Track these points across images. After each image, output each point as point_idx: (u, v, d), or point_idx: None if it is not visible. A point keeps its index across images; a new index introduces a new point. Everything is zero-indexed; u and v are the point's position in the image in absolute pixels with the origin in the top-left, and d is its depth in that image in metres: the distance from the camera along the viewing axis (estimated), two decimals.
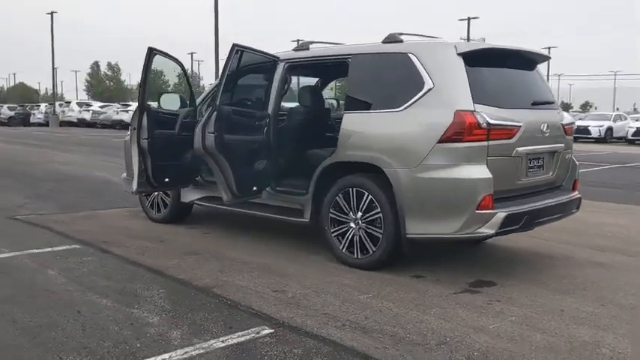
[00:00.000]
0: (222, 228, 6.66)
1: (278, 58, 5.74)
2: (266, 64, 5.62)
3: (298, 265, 5.16)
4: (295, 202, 5.62)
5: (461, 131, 4.47)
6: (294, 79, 7.40)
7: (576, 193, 5.53)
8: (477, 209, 4.45)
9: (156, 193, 6.92)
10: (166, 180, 6.02)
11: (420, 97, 4.73)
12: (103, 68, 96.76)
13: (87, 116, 40.59)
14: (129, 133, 7.11)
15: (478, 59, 4.74)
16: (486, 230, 4.50)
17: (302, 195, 5.55)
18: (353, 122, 5.10)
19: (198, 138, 5.10)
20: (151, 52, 5.57)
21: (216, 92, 5.20)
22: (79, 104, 45.23)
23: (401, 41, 5.12)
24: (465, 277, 4.86)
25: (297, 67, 5.97)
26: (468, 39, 46.37)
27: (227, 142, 5.15)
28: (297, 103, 6.97)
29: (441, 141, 4.53)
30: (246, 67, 5.44)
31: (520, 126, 4.74)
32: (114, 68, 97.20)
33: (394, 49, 5.07)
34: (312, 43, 5.91)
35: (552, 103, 5.52)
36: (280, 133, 5.84)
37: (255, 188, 5.59)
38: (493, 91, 4.77)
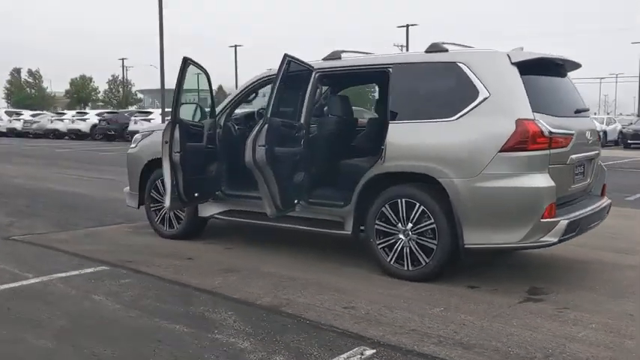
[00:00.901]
0: (241, 242, 6.45)
1: (312, 67, 5.62)
2: (302, 73, 5.49)
3: (345, 279, 5.06)
4: (333, 214, 5.51)
5: (524, 140, 4.51)
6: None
7: (606, 198, 5.69)
8: (542, 218, 4.49)
9: (167, 209, 6.62)
10: (196, 195, 5.81)
11: (476, 107, 4.74)
12: (24, 75, 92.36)
13: (18, 125, 38.58)
14: (133, 145, 6.83)
15: (529, 68, 4.81)
16: (550, 238, 4.55)
17: (339, 206, 5.45)
18: (401, 132, 5.05)
19: (249, 151, 4.92)
20: (186, 62, 5.34)
21: (267, 104, 5.02)
22: (9, 113, 42.95)
23: (446, 50, 5.12)
24: (518, 286, 4.89)
25: (330, 76, 5.87)
26: (407, 46, 47.33)
27: (276, 154, 5.00)
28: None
29: (502, 150, 4.55)
30: (288, 78, 5.30)
31: (573, 134, 4.84)
32: (35, 75, 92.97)
33: (442, 58, 5.06)
34: (343, 52, 5.82)
35: (588, 110, 5.67)
36: (312, 143, 5.72)
37: (295, 201, 5.44)
38: (545, 100, 4.84)
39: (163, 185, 6.43)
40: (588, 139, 5.18)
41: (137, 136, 7.19)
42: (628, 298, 4.63)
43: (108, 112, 38.18)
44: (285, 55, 5.01)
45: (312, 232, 5.78)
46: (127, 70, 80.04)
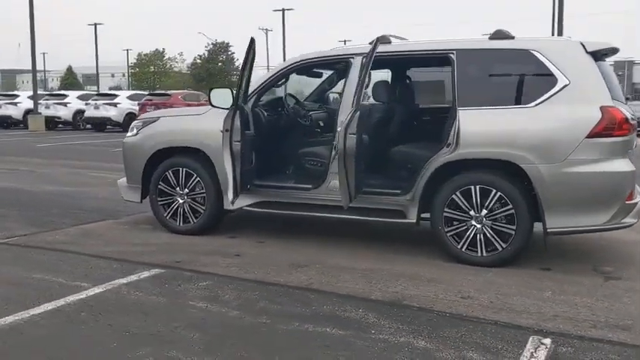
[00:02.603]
0: (267, 235, 6.08)
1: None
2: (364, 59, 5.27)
3: (424, 268, 4.98)
4: (392, 202, 5.40)
5: (612, 126, 4.71)
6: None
7: None
8: (627, 200, 4.75)
9: (181, 202, 6.09)
10: (248, 187, 5.39)
11: (555, 94, 4.86)
12: None
13: None
14: (132, 133, 6.22)
15: (598, 57, 5.02)
16: (630, 220, 4.83)
17: (398, 195, 5.35)
18: (475, 119, 5.04)
19: (341, 140, 4.64)
20: (254, 42, 4.90)
21: (357, 91, 4.76)
22: None
23: (513, 37, 5.19)
24: (586, 266, 5.11)
25: (386, 61, 5.71)
26: (284, 30, 47.27)
27: (363, 143, 4.78)
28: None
29: (589, 136, 4.72)
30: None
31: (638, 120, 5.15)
32: None
33: (512, 45, 5.12)
34: (391, 36, 5.68)
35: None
36: (373, 130, 5.55)
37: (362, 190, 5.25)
38: (612, 88, 5.07)
39: (174, 177, 5.95)
40: (636, 125, 5.53)
41: (136, 123, 6.49)
42: None
43: None
44: (378, 38, 4.76)
45: (337, 221, 5.66)
46: None
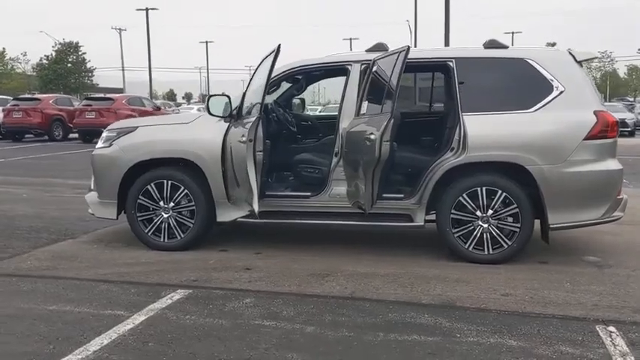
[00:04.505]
0: (259, 246, 5.90)
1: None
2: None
3: (440, 269, 5.14)
4: (399, 207, 5.51)
5: (606, 129, 5.18)
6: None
7: None
8: (617, 195, 5.26)
9: (165, 216, 5.75)
10: (264, 199, 5.21)
11: (552, 100, 5.25)
12: None
13: None
14: (104, 144, 5.83)
15: (582, 65, 5.49)
16: (619, 213, 5.34)
17: (402, 199, 5.49)
18: (481, 123, 5.29)
19: (376, 148, 4.64)
20: (279, 49, 4.75)
21: (392, 97, 4.78)
22: None
23: (506, 47, 5.52)
24: (574, 257, 5.56)
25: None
26: (148, 30, 45.40)
27: (394, 150, 4.82)
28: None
29: (587, 138, 5.16)
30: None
31: None
32: None
33: (508, 54, 5.45)
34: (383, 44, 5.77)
35: None
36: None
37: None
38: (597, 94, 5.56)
39: (157, 190, 5.63)
40: None
41: (108, 134, 5.98)
42: None
43: None
44: (408, 47, 4.82)
45: (323, 227, 5.77)
46: None
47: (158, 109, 23.91)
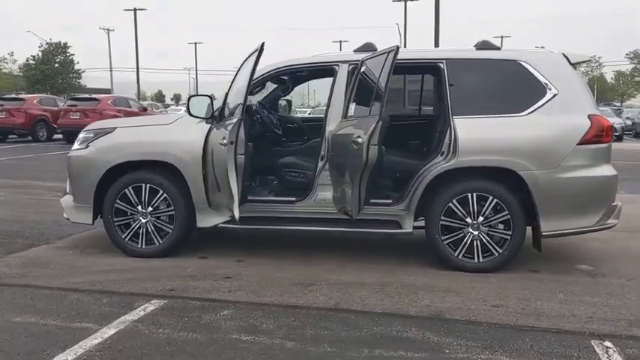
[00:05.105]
0: (240, 253, 5.66)
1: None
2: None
3: (428, 278, 4.94)
4: (387, 213, 5.30)
5: (601, 134, 5.00)
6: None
7: None
8: (612, 202, 5.08)
9: (143, 221, 5.51)
10: (246, 204, 4.99)
11: (546, 103, 5.06)
12: None
13: None
14: (80, 146, 5.59)
15: (576, 68, 5.32)
16: (613, 220, 5.16)
17: (390, 205, 5.29)
18: (472, 127, 5.10)
19: (364, 152, 4.43)
20: (263, 48, 4.53)
21: (381, 99, 4.57)
22: None
23: (498, 48, 5.34)
24: (567, 266, 5.38)
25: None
26: (136, 31, 45.04)
27: (382, 154, 4.62)
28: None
29: (581, 143, 4.98)
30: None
31: None
32: None
33: (500, 55, 5.26)
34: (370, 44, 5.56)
35: None
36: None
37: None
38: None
39: (135, 194, 5.40)
40: None
41: (85, 135, 5.73)
42: None
43: None
44: (397, 47, 4.62)
45: (303, 234, 5.58)
46: None
47: (145, 110, 23.59)
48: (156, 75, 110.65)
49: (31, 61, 66.04)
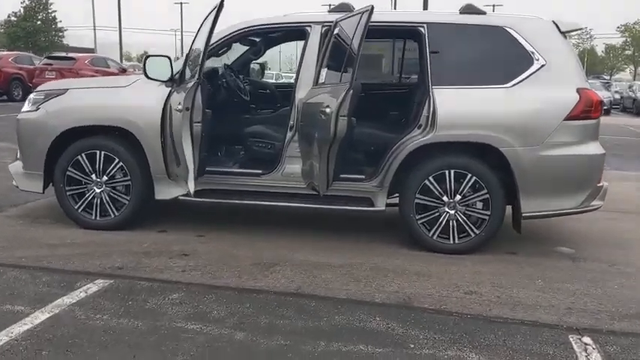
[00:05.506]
0: (202, 227, 5.31)
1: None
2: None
3: (400, 259, 4.63)
4: (358, 189, 4.95)
5: (589, 109, 4.65)
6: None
7: None
8: (598, 183, 4.77)
9: (98, 191, 5.13)
10: (207, 176, 4.62)
11: (532, 74, 4.69)
12: None
13: None
14: (30, 108, 5.16)
15: (567, 37, 4.93)
16: (598, 202, 4.86)
17: (362, 180, 4.93)
18: (452, 99, 4.72)
19: (332, 124, 4.05)
20: (222, 6, 4.10)
21: (352, 64, 4.17)
22: None
23: (484, 13, 4.93)
24: (546, 247, 5.09)
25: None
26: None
27: (353, 126, 4.24)
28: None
29: (567, 118, 4.63)
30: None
31: None
32: None
33: (485, 21, 4.86)
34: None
35: None
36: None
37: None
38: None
39: (89, 161, 5.01)
40: None
41: (36, 96, 5.29)
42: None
43: None
44: (372, 6, 4.19)
45: (273, 208, 5.19)
46: None
47: (124, 71, 22.88)
48: (143, 36, 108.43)
49: (13, 18, 64.30)
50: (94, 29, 62.39)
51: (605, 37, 70.83)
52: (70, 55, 22.56)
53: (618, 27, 65.49)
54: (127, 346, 3.04)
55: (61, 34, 62.72)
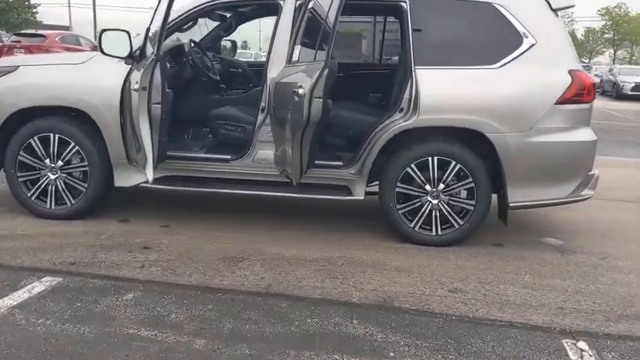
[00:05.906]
0: (167, 216, 4.92)
1: None
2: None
3: (379, 253, 4.32)
4: (335, 176, 4.61)
5: (581, 92, 4.35)
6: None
7: None
8: (589, 171, 4.48)
9: (52, 177, 4.72)
10: (170, 161, 4.24)
11: (521, 54, 4.37)
12: None
13: None
14: None
15: (558, 15, 4.60)
16: (589, 192, 4.57)
17: (339, 167, 4.59)
18: (436, 80, 4.38)
19: (305, 106, 3.68)
20: None
21: (327, 41, 3.79)
22: None
23: None
24: (532, 239, 4.82)
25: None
26: None
27: (328, 109, 3.88)
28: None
29: (558, 102, 4.32)
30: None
31: None
32: None
33: None
34: None
35: None
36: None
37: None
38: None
39: (42, 145, 4.60)
40: None
41: None
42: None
43: None
44: None
45: (242, 196, 4.74)
46: None
47: (96, 48, 22.10)
48: (119, 13, 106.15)
49: None
50: (69, 6, 60.93)
51: (585, 20, 70.94)
52: (40, 32, 21.70)
53: (599, 10, 65.59)
54: (69, 358, 2.67)
55: (35, 10, 61.05)
